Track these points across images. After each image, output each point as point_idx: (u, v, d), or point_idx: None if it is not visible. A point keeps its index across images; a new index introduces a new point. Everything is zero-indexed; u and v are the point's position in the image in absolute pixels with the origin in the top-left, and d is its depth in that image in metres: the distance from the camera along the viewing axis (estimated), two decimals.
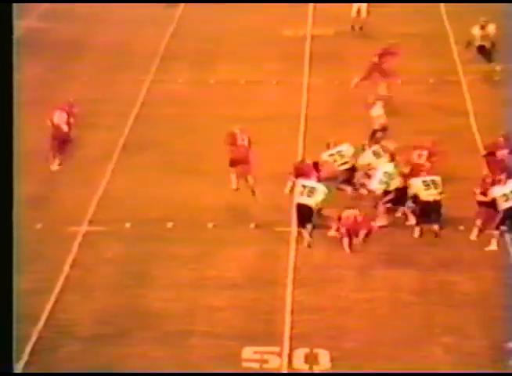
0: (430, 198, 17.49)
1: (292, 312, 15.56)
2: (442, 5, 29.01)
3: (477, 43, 24.13)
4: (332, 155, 18.87)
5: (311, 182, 17.58)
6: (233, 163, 18.83)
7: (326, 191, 17.54)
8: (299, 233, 17.69)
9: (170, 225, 18.19)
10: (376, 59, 22.97)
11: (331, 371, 14.24)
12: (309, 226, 17.48)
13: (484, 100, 22.99)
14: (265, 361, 14.39)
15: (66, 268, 16.81)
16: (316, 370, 14.30)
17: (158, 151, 21.06)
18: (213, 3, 29.13)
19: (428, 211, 17.50)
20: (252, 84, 24.28)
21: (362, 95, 23.03)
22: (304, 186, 17.51)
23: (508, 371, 14.10)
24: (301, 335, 14.93)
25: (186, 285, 16.37)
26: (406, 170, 18.14)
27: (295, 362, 14.42)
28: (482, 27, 24.08)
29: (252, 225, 18.16)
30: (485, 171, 18.64)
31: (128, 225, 18.16)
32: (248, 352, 14.50)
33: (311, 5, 29.40)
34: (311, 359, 14.47)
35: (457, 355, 14.51)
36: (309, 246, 17.44)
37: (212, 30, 27.91)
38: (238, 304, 15.75)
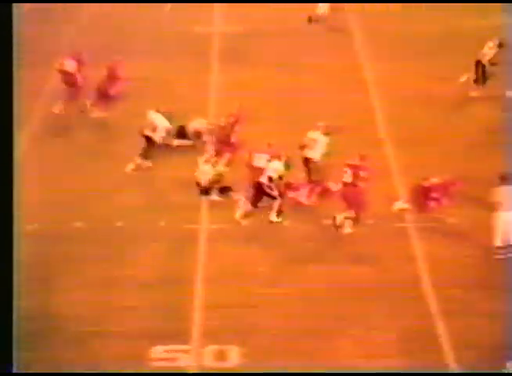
0: None
1: (202, 309, 15.61)
2: None
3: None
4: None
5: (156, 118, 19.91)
6: None
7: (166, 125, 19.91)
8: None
9: (79, 224, 18.00)
10: None
11: (241, 367, 14.31)
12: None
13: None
14: (175, 359, 14.43)
15: None
16: (226, 366, 14.35)
17: (65, 151, 20.84)
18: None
19: None
20: (162, 80, 24.19)
21: (267, 93, 23.28)
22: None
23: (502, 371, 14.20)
24: (211, 332, 14.99)
25: (97, 285, 16.23)
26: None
27: (205, 359, 14.48)
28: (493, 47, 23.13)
29: (162, 223, 18.10)
30: None
31: (35, 225, 17.90)
32: (157, 351, 14.51)
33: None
34: (220, 355, 14.53)
35: (366, 346, 14.74)
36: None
37: (122, 27, 27.70)
38: (148, 303, 15.72)
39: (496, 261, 16.80)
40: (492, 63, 22.97)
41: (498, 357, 14.25)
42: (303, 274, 16.59)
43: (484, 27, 26.34)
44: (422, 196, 17.77)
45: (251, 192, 18.24)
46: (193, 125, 21.00)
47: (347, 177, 17.57)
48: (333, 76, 24.62)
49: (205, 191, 18.93)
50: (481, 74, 23.15)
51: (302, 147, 18.96)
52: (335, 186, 18.03)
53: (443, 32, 27.13)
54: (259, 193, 18.14)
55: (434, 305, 15.64)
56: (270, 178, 18.07)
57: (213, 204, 18.86)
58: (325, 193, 18.16)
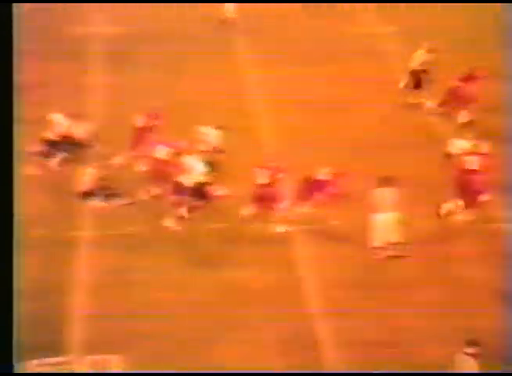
0: None
1: (81, 319, 15.40)
2: None
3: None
4: None
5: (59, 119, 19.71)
6: None
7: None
8: None
9: None
10: (457, 83, 21.74)
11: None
12: None
13: None
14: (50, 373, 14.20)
15: None
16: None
17: None
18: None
19: None
20: (38, 84, 23.74)
21: (150, 96, 23.18)
22: None
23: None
24: (91, 342, 14.81)
25: None
26: None
27: (84, 370, 14.30)
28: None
29: (39, 231, 17.76)
30: None
31: None
32: (32, 365, 14.25)
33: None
34: (100, 365, 14.39)
35: (248, 348, 14.79)
36: None
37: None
38: (22, 314, 15.25)
39: (375, 261, 17.14)
40: (423, 70, 22.86)
41: (379, 355, 14.53)
42: (186, 279, 16.54)
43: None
44: (307, 190, 17.96)
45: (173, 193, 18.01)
46: (78, 131, 20.60)
47: (264, 178, 17.71)
48: (218, 80, 24.65)
49: (89, 196, 18.69)
50: (416, 79, 23.05)
51: (195, 142, 19.01)
52: (221, 191, 18.17)
53: (351, 35, 27.47)
54: (181, 193, 17.94)
55: (315, 306, 15.85)
56: (199, 184, 17.98)
57: (96, 210, 18.66)
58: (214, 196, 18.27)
